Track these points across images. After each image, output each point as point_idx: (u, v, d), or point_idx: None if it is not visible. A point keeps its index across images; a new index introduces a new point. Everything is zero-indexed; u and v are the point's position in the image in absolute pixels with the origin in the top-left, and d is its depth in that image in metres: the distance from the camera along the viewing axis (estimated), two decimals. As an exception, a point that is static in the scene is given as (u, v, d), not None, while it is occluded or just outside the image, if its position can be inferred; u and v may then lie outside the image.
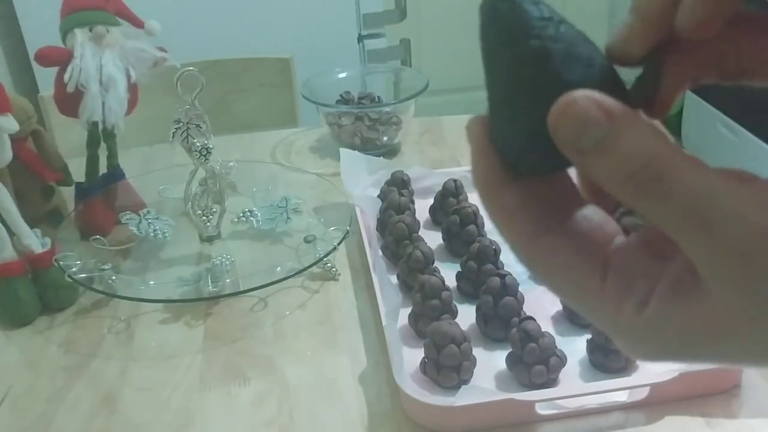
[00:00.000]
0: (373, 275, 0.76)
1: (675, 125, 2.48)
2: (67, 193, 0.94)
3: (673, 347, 0.23)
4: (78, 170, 0.92)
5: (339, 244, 0.82)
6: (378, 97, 1.15)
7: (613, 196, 0.22)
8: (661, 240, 0.23)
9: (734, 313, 0.21)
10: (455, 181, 0.88)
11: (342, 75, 1.20)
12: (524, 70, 0.23)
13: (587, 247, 0.24)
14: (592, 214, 0.25)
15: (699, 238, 0.21)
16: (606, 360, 0.64)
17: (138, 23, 0.88)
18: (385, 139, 1.11)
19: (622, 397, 0.62)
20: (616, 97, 0.22)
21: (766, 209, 0.20)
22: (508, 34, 0.24)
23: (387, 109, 1.11)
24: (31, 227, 0.79)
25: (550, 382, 0.63)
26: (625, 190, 0.21)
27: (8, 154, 0.76)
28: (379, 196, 0.90)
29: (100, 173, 0.92)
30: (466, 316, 0.72)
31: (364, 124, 1.09)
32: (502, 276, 0.69)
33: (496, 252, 0.75)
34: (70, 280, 0.77)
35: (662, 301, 0.22)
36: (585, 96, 0.22)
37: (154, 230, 0.84)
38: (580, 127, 0.21)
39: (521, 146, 0.24)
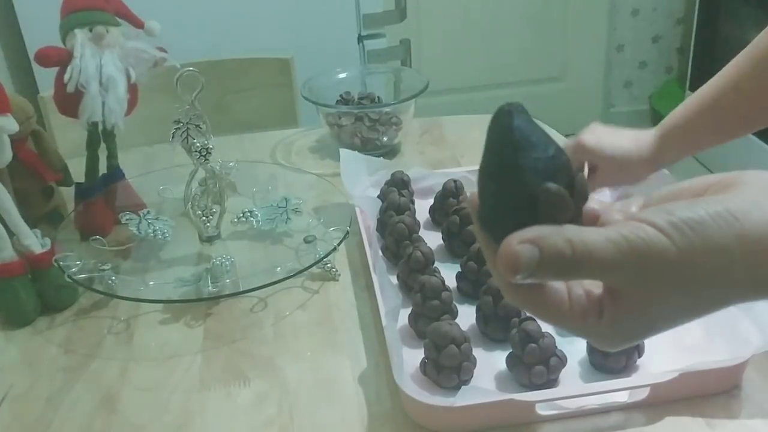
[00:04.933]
0: (373, 276, 0.76)
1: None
2: (67, 194, 0.94)
3: (626, 336, 0.35)
4: (78, 170, 0.92)
5: (339, 244, 0.82)
6: (378, 97, 1.15)
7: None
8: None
9: (653, 309, 0.34)
10: (455, 181, 0.88)
11: (342, 75, 1.20)
12: (504, 178, 0.33)
13: (556, 290, 0.36)
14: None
15: (621, 280, 0.33)
16: (606, 360, 0.64)
17: (138, 23, 0.88)
18: (385, 139, 1.11)
19: (622, 397, 0.62)
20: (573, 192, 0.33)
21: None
22: (500, 149, 0.33)
23: (387, 109, 1.11)
24: (31, 227, 0.79)
25: (551, 382, 0.63)
26: (562, 277, 0.34)
27: (8, 155, 0.77)
28: (379, 197, 0.89)
29: (100, 173, 0.92)
30: (466, 316, 0.71)
31: (364, 125, 1.09)
32: (502, 276, 0.69)
33: (496, 252, 0.75)
34: (69, 280, 0.77)
35: (611, 311, 0.34)
36: (519, 241, 0.33)
37: (154, 230, 0.84)
38: (521, 269, 0.33)
39: (499, 220, 0.34)
